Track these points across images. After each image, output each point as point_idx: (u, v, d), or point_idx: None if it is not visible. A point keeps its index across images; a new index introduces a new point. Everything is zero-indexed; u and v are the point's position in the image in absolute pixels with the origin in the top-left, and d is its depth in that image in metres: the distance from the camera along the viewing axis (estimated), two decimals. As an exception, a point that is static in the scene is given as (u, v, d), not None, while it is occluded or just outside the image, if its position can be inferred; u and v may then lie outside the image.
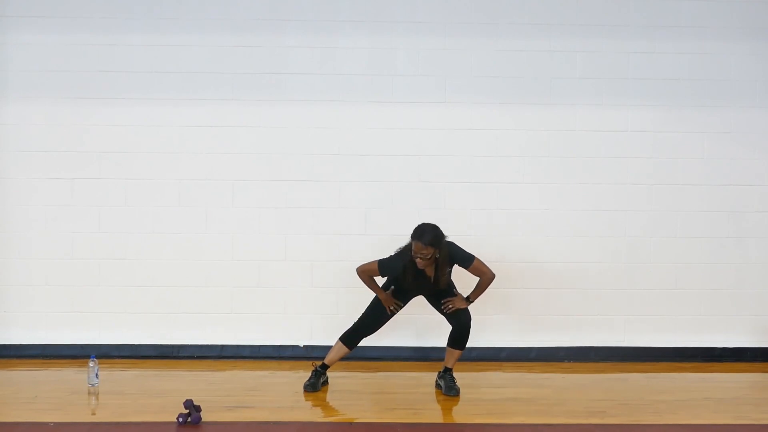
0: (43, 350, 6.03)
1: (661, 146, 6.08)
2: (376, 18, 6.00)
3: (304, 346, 6.08)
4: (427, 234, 4.92)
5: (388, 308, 5.20)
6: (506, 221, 6.07)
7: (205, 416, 4.64)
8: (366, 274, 5.14)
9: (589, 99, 6.05)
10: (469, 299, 5.21)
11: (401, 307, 5.26)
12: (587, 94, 6.05)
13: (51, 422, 4.59)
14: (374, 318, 5.24)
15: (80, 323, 6.06)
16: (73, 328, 6.05)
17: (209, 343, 6.08)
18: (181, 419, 4.56)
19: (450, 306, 5.16)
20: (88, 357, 5.35)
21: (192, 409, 4.59)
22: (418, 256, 4.94)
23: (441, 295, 5.20)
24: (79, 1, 5.96)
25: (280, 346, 6.09)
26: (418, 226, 5.02)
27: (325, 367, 5.32)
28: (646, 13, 6.03)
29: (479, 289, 5.18)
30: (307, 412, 4.91)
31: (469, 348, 5.98)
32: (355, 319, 5.32)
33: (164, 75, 6.00)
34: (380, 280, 5.31)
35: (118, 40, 5.98)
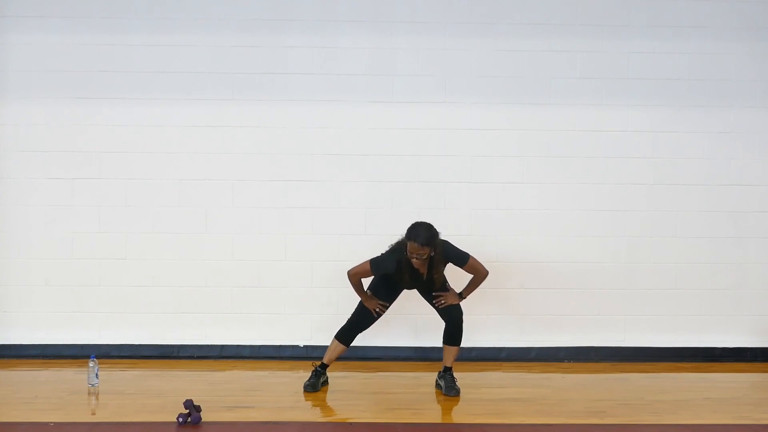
0: (43, 350, 6.03)
1: (661, 146, 6.09)
2: (376, 18, 6.00)
3: (304, 346, 6.08)
4: (423, 234, 4.92)
5: (372, 311, 5.21)
6: (506, 221, 6.07)
7: (205, 416, 4.64)
8: (358, 276, 5.13)
9: (589, 99, 6.05)
10: (462, 295, 5.22)
11: (387, 308, 5.26)
12: (587, 94, 6.05)
13: (51, 422, 4.58)
14: (364, 317, 5.25)
15: (80, 323, 6.06)
16: (73, 328, 6.06)
17: (209, 343, 6.08)
18: (181, 419, 4.55)
19: (442, 301, 5.17)
20: (88, 357, 5.35)
21: (192, 409, 4.58)
22: (414, 256, 4.94)
23: (433, 289, 5.21)
24: (79, 1, 5.96)
25: (280, 346, 6.09)
26: (413, 225, 5.01)
27: (324, 366, 5.32)
28: (646, 13, 6.03)
29: (473, 286, 5.20)
30: (307, 412, 4.91)
31: (469, 348, 5.99)
32: (344, 318, 5.35)
33: (164, 75, 6.00)
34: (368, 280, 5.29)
35: (118, 40, 5.98)
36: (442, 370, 5.29)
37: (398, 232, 5.77)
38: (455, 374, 5.29)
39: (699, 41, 6.05)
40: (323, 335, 5.87)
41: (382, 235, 5.91)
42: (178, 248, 6.06)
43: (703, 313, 6.14)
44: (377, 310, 5.22)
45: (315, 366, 5.33)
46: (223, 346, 6.08)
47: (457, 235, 5.94)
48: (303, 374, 5.54)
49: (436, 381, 5.33)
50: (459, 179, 6.06)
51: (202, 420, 4.60)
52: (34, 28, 5.96)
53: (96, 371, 5.18)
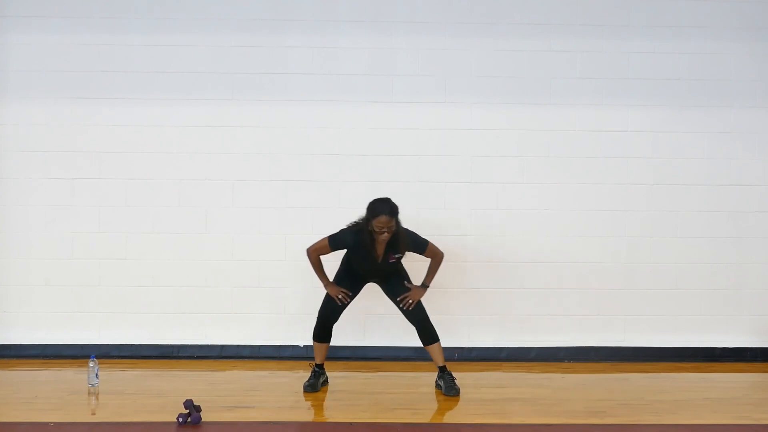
0: (43, 350, 6.03)
1: (661, 146, 6.08)
2: (376, 18, 6.00)
3: (304, 346, 6.07)
4: (387, 206, 4.95)
5: (336, 298, 5.20)
6: (506, 221, 6.07)
7: (205, 416, 4.64)
8: (317, 252, 5.14)
9: (589, 99, 6.05)
10: (426, 285, 5.21)
11: (351, 297, 5.23)
12: (587, 94, 6.05)
13: (51, 422, 4.58)
14: (331, 309, 5.24)
15: (80, 323, 6.06)
16: (73, 328, 6.05)
17: (209, 343, 6.08)
18: (181, 419, 4.55)
19: (409, 302, 5.17)
20: (88, 357, 5.35)
21: (192, 409, 4.58)
22: (385, 230, 4.94)
23: (394, 284, 5.20)
24: (79, 1, 5.96)
25: (280, 346, 6.08)
26: (374, 202, 5.02)
27: (320, 366, 5.33)
28: (646, 13, 6.03)
29: (433, 271, 5.21)
30: (307, 412, 4.91)
31: (469, 348, 6.00)
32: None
33: (164, 75, 6.00)
34: (330, 267, 5.27)
35: (118, 40, 5.98)
36: (438, 371, 5.28)
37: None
38: (455, 374, 5.29)
39: (699, 41, 6.05)
40: (323, 335, 5.88)
41: (382, 235, 5.92)
42: (178, 248, 6.06)
43: (703, 313, 6.14)
44: (340, 296, 5.19)
45: (313, 366, 5.34)
46: (223, 346, 6.08)
47: (457, 235, 5.96)
48: (303, 374, 5.54)
49: (436, 381, 5.33)
50: (459, 179, 6.06)
51: (202, 420, 4.60)
52: (34, 28, 5.96)
53: (96, 371, 5.18)
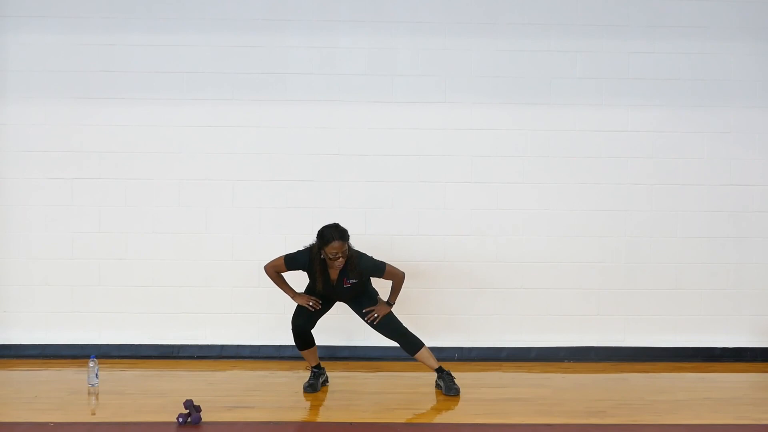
0: (43, 350, 6.03)
1: (661, 146, 6.09)
2: (376, 18, 6.00)
3: (304, 346, 6.07)
4: (338, 231, 4.92)
5: (306, 305, 5.16)
6: (506, 221, 6.07)
7: (205, 416, 4.64)
8: (273, 269, 5.13)
9: (589, 99, 6.05)
10: (390, 303, 5.20)
11: (322, 304, 5.18)
12: (587, 94, 6.05)
13: (51, 422, 4.58)
14: (304, 319, 5.20)
15: (80, 323, 6.06)
16: (73, 328, 6.06)
17: (209, 343, 6.08)
18: (181, 419, 4.55)
19: (375, 316, 5.14)
20: (88, 357, 5.35)
21: (192, 409, 4.58)
22: (339, 255, 4.92)
23: (359, 303, 5.19)
24: (79, 1, 5.96)
25: (280, 346, 6.08)
26: (324, 229, 4.96)
27: (317, 366, 5.32)
28: (646, 13, 6.03)
29: (396, 290, 5.18)
30: (307, 412, 4.91)
31: (469, 348, 6.00)
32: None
33: (164, 75, 6.00)
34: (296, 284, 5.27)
35: (118, 40, 5.98)
36: (436, 373, 5.27)
37: (398, 232, 5.80)
38: (455, 374, 5.28)
39: (699, 41, 6.05)
40: (323, 335, 5.85)
41: (382, 235, 5.93)
42: (178, 248, 6.06)
43: (703, 313, 6.14)
44: (311, 303, 5.16)
45: (310, 368, 5.32)
46: (223, 346, 6.08)
47: (457, 235, 5.96)
48: (303, 374, 5.54)
49: (436, 381, 5.32)
50: (459, 179, 6.06)
51: (202, 420, 4.60)
52: (34, 28, 5.96)
53: (96, 371, 5.18)
